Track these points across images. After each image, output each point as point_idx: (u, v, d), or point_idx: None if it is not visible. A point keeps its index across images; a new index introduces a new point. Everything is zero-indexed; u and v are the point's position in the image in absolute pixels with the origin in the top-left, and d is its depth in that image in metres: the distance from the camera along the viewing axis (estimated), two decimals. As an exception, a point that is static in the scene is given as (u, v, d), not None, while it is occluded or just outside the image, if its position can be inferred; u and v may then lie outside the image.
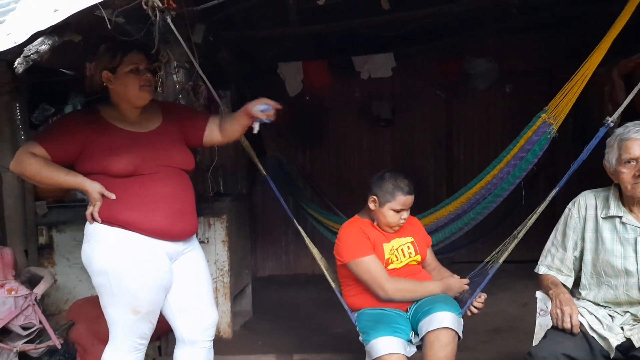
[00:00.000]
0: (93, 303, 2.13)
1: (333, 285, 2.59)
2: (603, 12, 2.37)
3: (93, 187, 1.98)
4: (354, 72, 4.79)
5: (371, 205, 2.44)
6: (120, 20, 3.02)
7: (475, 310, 2.38)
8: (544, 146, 2.56)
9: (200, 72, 2.57)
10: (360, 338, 2.29)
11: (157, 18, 2.44)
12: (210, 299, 2.24)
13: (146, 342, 2.13)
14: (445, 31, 4.54)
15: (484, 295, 2.40)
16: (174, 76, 3.04)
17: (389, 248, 2.42)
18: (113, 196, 2.00)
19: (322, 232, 3.87)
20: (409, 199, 2.40)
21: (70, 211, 3.39)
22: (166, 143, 2.17)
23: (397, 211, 2.39)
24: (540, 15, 4.41)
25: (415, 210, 2.86)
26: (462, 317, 2.32)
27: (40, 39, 1.58)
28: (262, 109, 2.14)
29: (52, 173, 1.97)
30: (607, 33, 2.35)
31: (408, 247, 2.48)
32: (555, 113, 2.50)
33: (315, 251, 2.66)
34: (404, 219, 2.43)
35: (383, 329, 2.21)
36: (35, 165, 1.96)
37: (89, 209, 2.01)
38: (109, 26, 2.49)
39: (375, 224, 2.48)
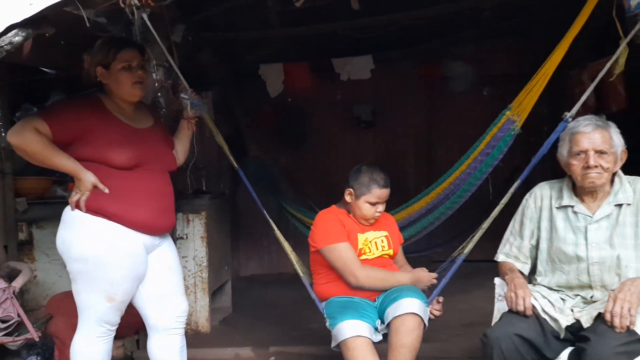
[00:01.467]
0: (72, 297, 2.18)
1: (301, 275, 2.63)
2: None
3: (87, 177, 2.04)
4: (334, 75, 4.87)
5: (347, 198, 2.50)
6: (102, 20, 3.09)
7: (432, 317, 2.40)
8: (509, 142, 2.65)
9: (176, 68, 2.64)
10: (327, 324, 2.31)
11: (135, 16, 2.53)
12: (181, 289, 2.34)
13: (114, 329, 2.20)
14: (425, 36, 4.65)
15: (441, 299, 2.44)
16: (154, 75, 3.11)
17: (363, 239, 2.47)
18: (106, 190, 2.06)
19: (302, 231, 3.93)
20: (384, 192, 2.45)
21: (50, 208, 3.41)
22: (158, 142, 2.28)
23: (373, 204, 2.44)
24: (516, 20, 4.53)
25: (393, 208, 2.93)
26: (435, 316, 2.37)
27: (14, 31, 1.65)
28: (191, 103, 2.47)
29: (53, 155, 2.01)
30: (566, 33, 2.46)
31: (382, 241, 2.53)
32: (519, 110, 2.60)
33: (285, 244, 2.72)
34: (380, 212, 2.48)
35: (350, 313, 2.24)
36: (40, 144, 1.98)
37: (76, 196, 2.06)
38: (87, 24, 2.57)
39: (351, 215, 2.53)
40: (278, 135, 5.43)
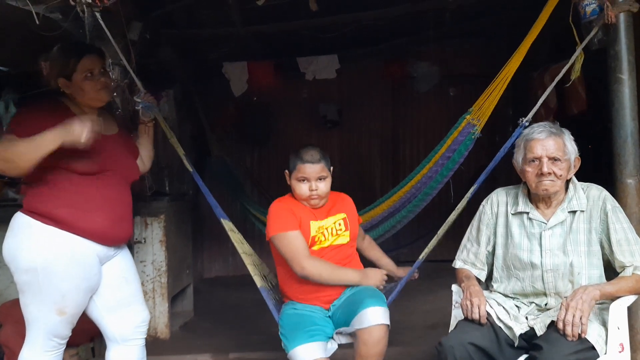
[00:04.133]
0: (21, 306, 2.09)
1: (258, 282, 2.57)
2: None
3: (74, 124, 1.85)
4: (300, 74, 4.84)
5: (288, 181, 2.45)
6: (56, 16, 2.96)
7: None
8: (469, 146, 2.66)
9: (130, 69, 2.56)
10: (282, 344, 2.27)
11: (85, 13, 2.43)
12: (140, 298, 2.26)
13: (65, 342, 2.11)
14: (388, 35, 4.65)
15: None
16: (110, 74, 3.01)
17: (316, 227, 2.38)
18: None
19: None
20: (307, 167, 2.34)
21: (1, 211, 3.28)
22: (121, 150, 2.22)
23: (301, 180, 2.35)
24: (480, 21, 4.56)
25: (360, 209, 2.89)
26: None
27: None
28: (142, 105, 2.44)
29: (36, 141, 1.84)
30: (525, 37, 2.47)
31: (339, 224, 2.43)
32: (479, 114, 2.61)
33: (246, 246, 2.68)
34: (314, 190, 2.35)
35: (300, 336, 2.19)
36: (21, 144, 1.84)
37: (84, 131, 1.85)
38: (37, 21, 2.45)
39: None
40: (242, 135, 5.36)
